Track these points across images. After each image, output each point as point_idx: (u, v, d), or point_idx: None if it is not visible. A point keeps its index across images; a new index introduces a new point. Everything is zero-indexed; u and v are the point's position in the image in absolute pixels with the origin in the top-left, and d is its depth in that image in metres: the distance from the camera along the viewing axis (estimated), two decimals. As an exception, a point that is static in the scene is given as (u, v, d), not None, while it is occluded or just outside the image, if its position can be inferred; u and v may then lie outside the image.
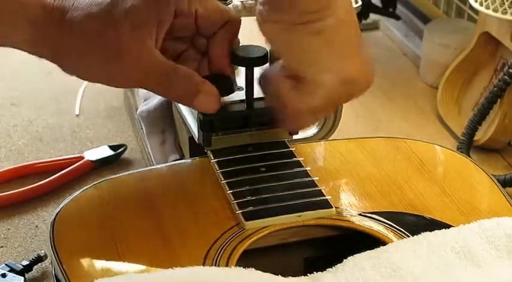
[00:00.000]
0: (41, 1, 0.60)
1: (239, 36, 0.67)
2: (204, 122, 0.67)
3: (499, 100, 0.95)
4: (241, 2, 0.76)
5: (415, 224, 0.62)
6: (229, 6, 0.75)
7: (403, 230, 0.61)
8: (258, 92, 0.68)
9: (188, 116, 0.74)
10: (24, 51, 0.62)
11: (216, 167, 0.66)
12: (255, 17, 0.61)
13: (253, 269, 0.55)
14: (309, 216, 0.61)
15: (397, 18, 1.27)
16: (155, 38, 0.61)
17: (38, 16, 0.59)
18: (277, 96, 0.62)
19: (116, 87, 0.65)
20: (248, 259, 0.57)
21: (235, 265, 0.56)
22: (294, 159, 0.66)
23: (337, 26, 0.59)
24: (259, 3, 0.60)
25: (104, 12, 0.60)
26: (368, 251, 0.57)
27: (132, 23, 0.60)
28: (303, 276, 0.56)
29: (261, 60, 0.65)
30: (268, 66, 0.65)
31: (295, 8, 0.58)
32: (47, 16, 0.60)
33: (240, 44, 0.67)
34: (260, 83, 0.64)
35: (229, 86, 0.65)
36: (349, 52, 0.61)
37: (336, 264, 0.56)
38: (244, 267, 0.55)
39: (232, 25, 0.66)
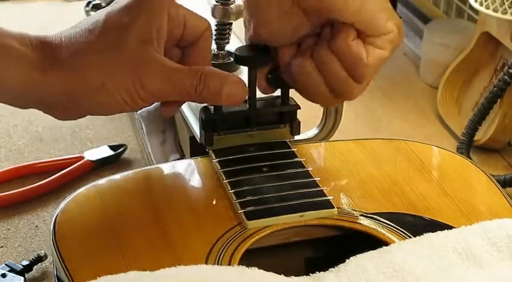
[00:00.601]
0: (25, 54, 0.58)
1: (242, 37, 0.67)
2: (206, 121, 0.67)
3: (499, 100, 0.95)
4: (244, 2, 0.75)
5: (416, 225, 0.62)
6: (231, 6, 0.75)
7: (404, 230, 0.61)
8: (259, 92, 0.68)
9: (189, 115, 0.74)
10: (17, 106, 0.60)
11: (218, 166, 0.66)
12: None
13: (256, 268, 0.55)
14: (310, 216, 0.61)
15: (397, 18, 1.27)
16: (158, 46, 0.60)
17: (32, 65, 0.58)
18: (351, 60, 0.61)
19: (139, 108, 0.62)
20: (250, 258, 0.57)
21: (237, 264, 0.56)
22: (296, 159, 0.67)
23: None
24: None
25: (102, 36, 0.59)
26: (370, 251, 0.57)
27: (136, 36, 0.59)
28: (305, 276, 0.56)
29: (263, 60, 0.65)
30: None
31: None
32: (41, 63, 0.58)
33: (243, 44, 0.67)
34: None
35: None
36: None
37: (337, 265, 0.57)
38: (246, 266, 0.55)
39: (210, 32, 0.65)
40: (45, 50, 0.59)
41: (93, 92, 0.58)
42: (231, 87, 0.61)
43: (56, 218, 0.61)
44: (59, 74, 0.58)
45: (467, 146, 0.97)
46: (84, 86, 0.58)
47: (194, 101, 0.62)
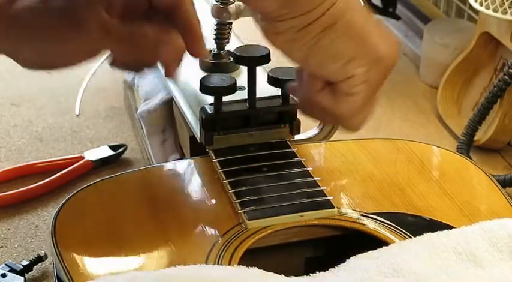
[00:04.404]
0: None
1: (242, 37, 0.67)
2: (206, 121, 0.67)
3: (499, 100, 0.95)
4: None
5: (416, 225, 0.62)
6: (230, 6, 0.75)
7: (404, 230, 0.61)
8: (259, 92, 0.68)
9: (190, 115, 0.74)
10: None
11: (218, 166, 0.66)
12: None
13: (256, 268, 0.55)
14: (311, 216, 0.61)
15: (397, 18, 1.27)
16: (111, 9, 0.57)
17: None
18: (323, 110, 0.61)
19: (77, 62, 0.58)
20: (250, 258, 0.57)
21: (237, 264, 0.56)
22: (296, 159, 0.67)
23: (346, 8, 0.57)
24: (260, 21, 0.57)
25: None
26: (371, 251, 0.57)
27: None
28: (305, 276, 0.56)
29: (263, 59, 0.65)
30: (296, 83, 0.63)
31: (300, 7, 0.56)
32: None
33: (243, 44, 0.67)
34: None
35: (231, 85, 0.65)
36: (367, 30, 0.58)
37: (337, 265, 0.57)
38: (246, 266, 0.55)
39: None
40: None
41: (37, 56, 0.59)
42: (167, 47, 0.57)
43: (55, 218, 0.61)
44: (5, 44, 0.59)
45: (467, 146, 0.97)
46: (27, 55, 0.60)
47: (137, 62, 0.60)
